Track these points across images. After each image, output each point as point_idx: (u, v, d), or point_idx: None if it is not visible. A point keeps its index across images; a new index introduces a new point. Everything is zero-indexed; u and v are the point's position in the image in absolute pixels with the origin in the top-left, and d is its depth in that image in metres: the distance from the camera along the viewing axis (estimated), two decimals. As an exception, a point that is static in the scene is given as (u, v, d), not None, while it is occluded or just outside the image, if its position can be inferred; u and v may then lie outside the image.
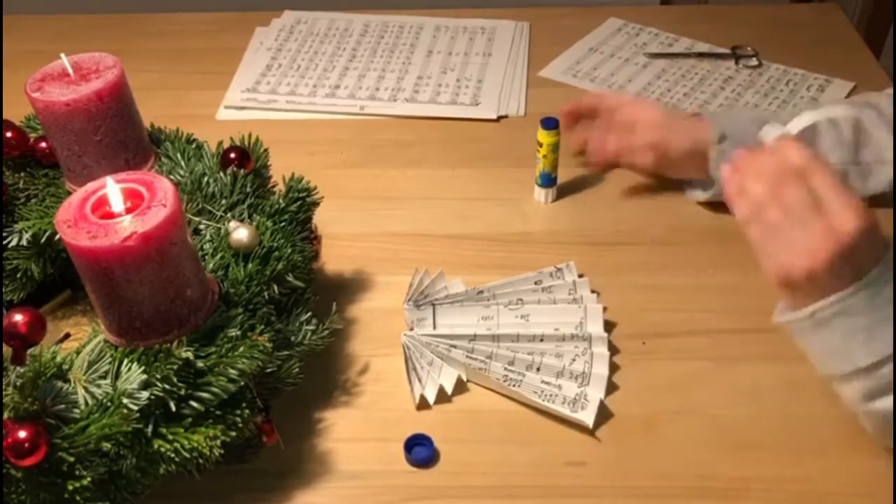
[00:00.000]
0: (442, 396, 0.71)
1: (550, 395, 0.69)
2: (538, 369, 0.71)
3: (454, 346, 0.72)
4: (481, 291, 0.77)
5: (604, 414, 0.69)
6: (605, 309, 0.77)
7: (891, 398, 0.57)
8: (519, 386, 0.70)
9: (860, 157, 0.78)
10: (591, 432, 0.68)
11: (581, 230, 0.88)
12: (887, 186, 0.79)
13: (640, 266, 0.82)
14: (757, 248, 0.60)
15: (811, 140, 0.77)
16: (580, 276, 0.79)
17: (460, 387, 0.72)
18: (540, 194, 0.91)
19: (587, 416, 0.67)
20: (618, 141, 0.87)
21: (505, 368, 0.71)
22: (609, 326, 0.76)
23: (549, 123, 0.87)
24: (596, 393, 0.69)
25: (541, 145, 0.87)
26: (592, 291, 0.78)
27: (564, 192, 0.92)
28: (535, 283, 0.78)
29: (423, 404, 0.70)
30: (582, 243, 0.86)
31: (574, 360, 0.72)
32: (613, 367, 0.73)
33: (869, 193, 0.80)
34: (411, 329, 0.75)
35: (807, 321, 0.58)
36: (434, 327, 0.75)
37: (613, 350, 0.74)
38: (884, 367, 0.56)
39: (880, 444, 0.63)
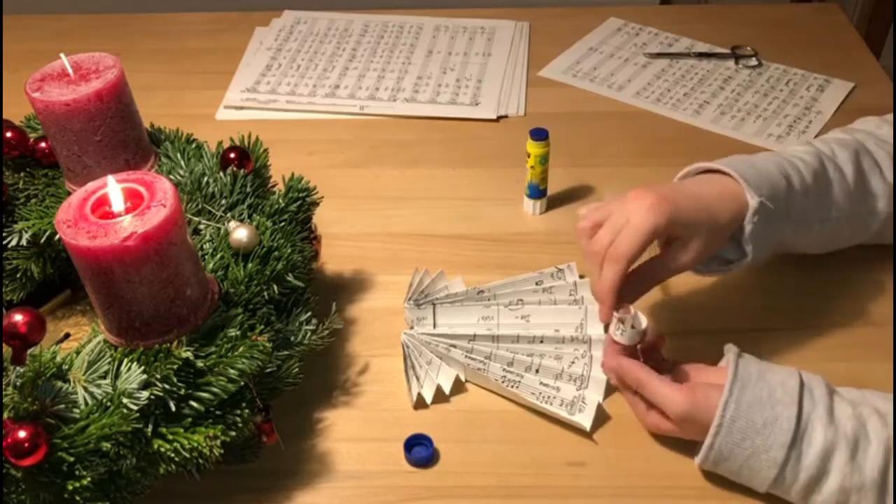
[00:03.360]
0: (440, 396, 0.71)
1: (548, 397, 0.69)
2: (537, 371, 0.71)
3: (453, 346, 0.72)
4: (482, 291, 0.77)
5: (603, 414, 0.69)
6: None
7: (819, 493, 0.59)
8: (517, 387, 0.70)
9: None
10: (590, 432, 0.68)
11: (581, 230, 0.88)
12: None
13: (639, 266, 0.82)
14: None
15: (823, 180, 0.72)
16: (581, 276, 0.79)
17: (458, 386, 0.72)
18: (528, 205, 0.90)
19: (584, 420, 0.67)
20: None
21: (503, 369, 0.71)
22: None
23: (539, 134, 0.85)
24: (594, 396, 0.69)
25: (529, 156, 0.86)
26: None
27: (563, 192, 0.92)
28: (536, 284, 0.78)
29: (420, 403, 0.70)
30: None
31: (573, 362, 0.72)
32: (613, 367, 0.73)
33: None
34: (411, 328, 0.75)
35: (705, 465, 0.63)
36: (434, 326, 0.75)
37: (613, 350, 0.74)
38: (786, 484, 0.60)
39: None
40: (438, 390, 0.71)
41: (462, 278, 0.79)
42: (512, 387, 0.69)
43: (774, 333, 0.75)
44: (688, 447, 0.66)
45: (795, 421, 0.59)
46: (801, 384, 0.61)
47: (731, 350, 0.65)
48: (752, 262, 0.70)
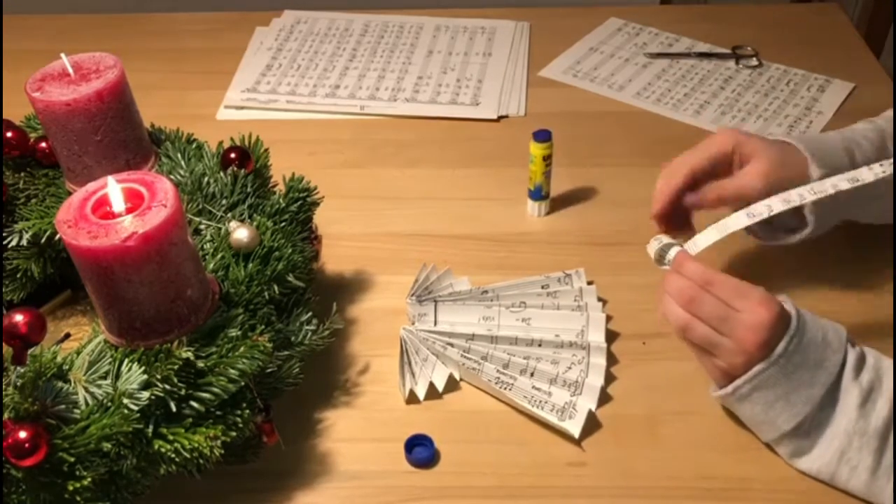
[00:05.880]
0: (435, 395, 0.71)
1: (539, 402, 0.69)
2: (532, 374, 0.71)
3: (450, 345, 0.72)
4: (486, 291, 0.77)
5: (594, 422, 0.69)
6: (609, 318, 0.76)
7: (810, 457, 0.62)
8: (510, 389, 0.69)
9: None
10: (590, 433, 0.68)
11: (581, 230, 0.88)
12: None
13: (640, 266, 0.82)
14: (698, 360, 0.66)
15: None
16: (589, 283, 0.79)
17: (454, 385, 0.72)
18: (533, 208, 0.90)
19: (573, 426, 0.67)
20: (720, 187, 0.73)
21: (498, 371, 0.71)
22: (609, 326, 0.76)
23: (542, 136, 0.84)
24: (586, 403, 0.69)
25: (532, 157, 0.86)
26: (599, 299, 0.78)
27: (564, 192, 0.92)
28: (542, 287, 0.77)
29: (412, 399, 0.71)
30: (582, 243, 0.86)
31: (570, 367, 0.71)
32: (614, 367, 0.73)
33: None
34: (413, 324, 0.75)
35: (731, 397, 0.64)
36: (435, 324, 0.75)
37: (613, 351, 0.74)
38: (804, 428, 0.62)
39: None
40: (431, 388, 0.71)
41: (468, 277, 0.79)
42: (504, 389, 0.69)
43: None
44: (687, 447, 0.67)
45: (841, 365, 0.61)
46: (846, 333, 0.63)
47: (785, 300, 0.65)
48: (813, 232, 0.73)
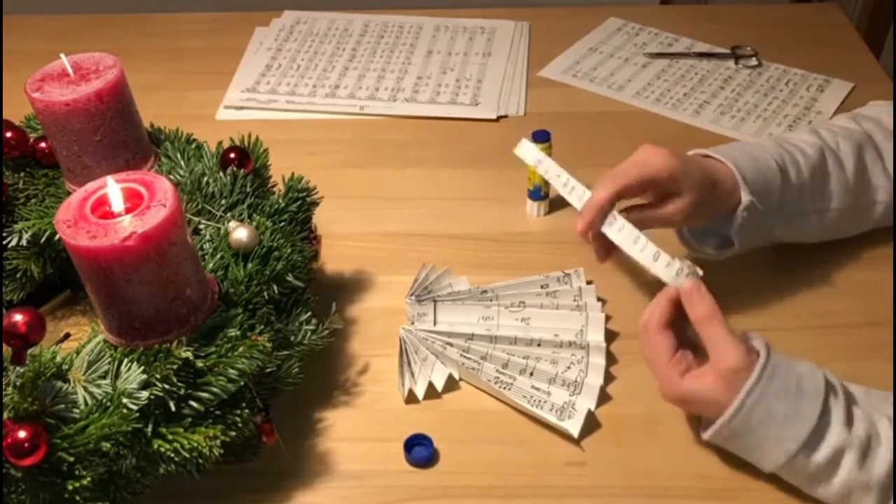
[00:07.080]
0: (434, 394, 0.71)
1: (539, 401, 0.69)
2: (531, 374, 0.71)
3: (450, 344, 0.72)
4: (485, 291, 0.77)
5: (593, 422, 0.69)
6: (608, 318, 0.76)
7: (821, 486, 0.60)
8: (509, 389, 0.69)
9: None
10: (589, 432, 0.68)
11: (581, 230, 0.88)
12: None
13: (639, 265, 0.82)
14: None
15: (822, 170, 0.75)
16: (588, 282, 0.79)
17: (452, 385, 0.72)
18: (532, 208, 0.90)
19: (573, 426, 0.67)
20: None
21: (497, 371, 0.71)
22: (608, 326, 0.76)
23: (539, 136, 0.84)
24: (585, 403, 0.69)
25: None
26: (598, 299, 0.78)
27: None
28: (542, 287, 0.77)
29: (411, 399, 0.71)
30: (581, 243, 0.86)
31: (569, 367, 0.71)
32: (613, 367, 0.73)
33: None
34: (412, 324, 0.75)
35: (714, 439, 0.62)
36: (434, 323, 0.75)
37: (613, 350, 0.74)
38: (794, 465, 0.59)
39: None
40: (430, 387, 0.71)
41: (467, 277, 0.79)
42: (504, 388, 0.69)
43: (774, 333, 0.74)
44: (687, 447, 0.67)
45: (818, 417, 0.58)
46: (826, 379, 0.60)
47: (756, 337, 0.63)
48: (740, 251, 0.74)
